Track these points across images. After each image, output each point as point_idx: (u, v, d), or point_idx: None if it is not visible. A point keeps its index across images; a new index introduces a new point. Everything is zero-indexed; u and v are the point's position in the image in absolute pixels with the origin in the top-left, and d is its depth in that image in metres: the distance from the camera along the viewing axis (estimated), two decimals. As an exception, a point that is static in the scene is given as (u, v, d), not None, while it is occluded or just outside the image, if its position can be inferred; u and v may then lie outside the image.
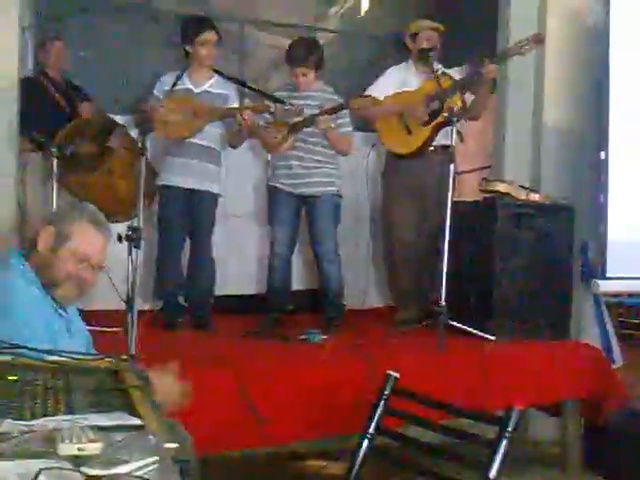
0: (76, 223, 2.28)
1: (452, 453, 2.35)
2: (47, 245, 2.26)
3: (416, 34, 4.47)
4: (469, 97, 4.36)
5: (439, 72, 4.26)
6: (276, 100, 4.21)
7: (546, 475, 4.06)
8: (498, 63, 4.26)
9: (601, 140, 4.56)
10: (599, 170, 4.56)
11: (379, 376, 2.58)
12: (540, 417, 4.29)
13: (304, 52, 4.23)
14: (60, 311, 2.28)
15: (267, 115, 4.22)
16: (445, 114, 4.13)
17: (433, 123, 4.32)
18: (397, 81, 4.47)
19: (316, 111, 4.18)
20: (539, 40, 4.18)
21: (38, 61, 4.67)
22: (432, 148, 4.42)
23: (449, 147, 3.94)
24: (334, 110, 4.17)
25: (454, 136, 3.89)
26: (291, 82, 4.38)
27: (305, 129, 4.21)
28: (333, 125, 4.20)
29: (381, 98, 4.43)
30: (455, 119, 3.88)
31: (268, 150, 4.36)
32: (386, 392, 2.47)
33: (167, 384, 2.11)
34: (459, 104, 4.06)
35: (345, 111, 4.28)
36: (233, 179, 4.99)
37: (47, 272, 2.25)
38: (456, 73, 4.44)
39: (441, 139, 4.36)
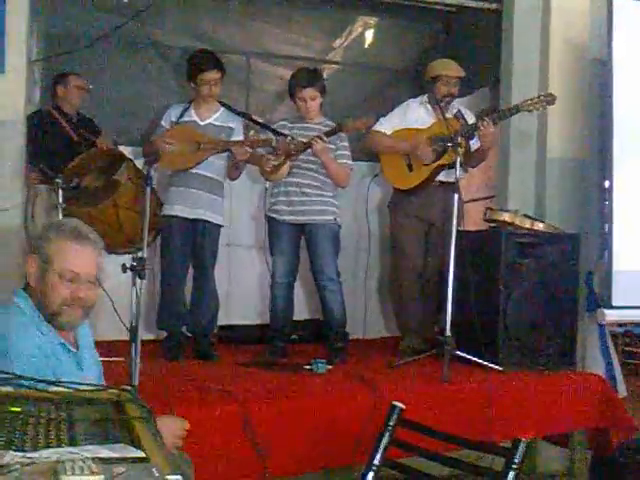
0: (53, 243, 2.16)
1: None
2: (35, 276, 2.17)
3: (437, 77, 4.44)
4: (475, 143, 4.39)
5: (456, 112, 4.23)
6: (279, 134, 4.24)
7: (554, 507, 4.02)
8: (503, 119, 4.29)
9: (605, 169, 4.57)
10: (603, 199, 4.56)
11: (384, 407, 2.56)
12: (548, 448, 4.26)
13: (310, 75, 4.29)
14: (70, 347, 2.21)
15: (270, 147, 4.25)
16: (447, 157, 4.23)
17: (435, 164, 4.37)
18: (410, 117, 4.50)
19: None
20: (551, 101, 4.21)
21: (55, 94, 4.69)
22: (436, 183, 4.44)
23: (453, 183, 3.98)
24: (330, 133, 4.19)
25: (458, 168, 3.92)
26: (295, 114, 4.41)
27: (304, 157, 4.23)
28: (332, 147, 4.21)
29: (388, 132, 4.47)
30: (457, 163, 3.91)
31: (265, 177, 4.37)
32: (391, 423, 2.45)
33: (162, 428, 2.07)
34: (462, 149, 4.06)
35: (345, 143, 4.30)
36: (234, 208, 5.02)
37: (44, 304, 2.16)
38: (464, 104, 4.48)
39: (444, 175, 4.38)
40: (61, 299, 2.16)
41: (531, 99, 4.22)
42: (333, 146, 4.25)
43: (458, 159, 3.94)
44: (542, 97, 4.23)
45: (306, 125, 4.32)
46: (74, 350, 2.24)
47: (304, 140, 4.19)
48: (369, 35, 5.93)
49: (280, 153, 4.19)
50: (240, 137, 4.31)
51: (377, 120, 4.51)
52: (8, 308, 2.18)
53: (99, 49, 4.97)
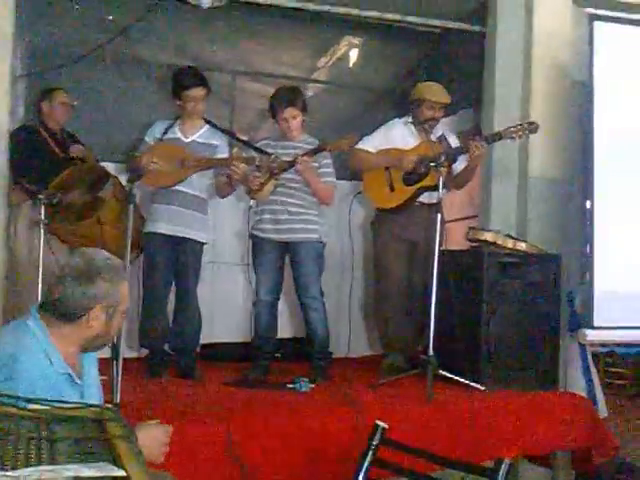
0: (119, 286, 2.22)
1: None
2: (101, 322, 2.20)
3: (422, 100, 4.43)
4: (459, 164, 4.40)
5: (440, 135, 4.25)
6: (262, 152, 4.25)
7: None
8: (487, 143, 4.30)
9: (586, 190, 4.61)
10: (585, 220, 4.60)
11: (367, 426, 2.56)
12: (531, 468, 4.25)
13: (290, 94, 4.29)
14: (75, 379, 2.21)
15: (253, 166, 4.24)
16: (429, 180, 4.25)
17: (417, 186, 4.38)
18: (394, 137, 4.52)
19: None
20: (533, 130, 4.23)
21: (40, 110, 4.67)
22: (418, 204, 4.45)
23: (435, 204, 3.99)
24: (314, 152, 4.20)
25: (440, 186, 3.94)
26: (278, 133, 4.42)
27: (288, 176, 4.24)
28: (315, 165, 4.23)
29: (372, 150, 4.49)
30: (440, 183, 3.94)
31: (250, 195, 4.37)
32: (374, 442, 2.44)
33: (147, 438, 2.06)
34: (445, 172, 4.07)
35: (328, 161, 4.32)
36: (218, 226, 5.01)
37: (100, 340, 2.25)
38: (447, 124, 4.50)
39: (427, 197, 4.41)
40: (116, 330, 2.29)
41: (514, 127, 4.23)
42: (317, 164, 4.26)
43: (441, 179, 3.97)
44: (525, 125, 4.24)
45: (289, 143, 4.33)
46: (78, 381, 2.23)
47: (288, 159, 4.20)
48: (354, 55, 5.96)
49: (264, 172, 4.20)
50: (225, 155, 4.31)
51: (361, 139, 4.53)
52: (21, 329, 2.17)
53: (84, 65, 4.96)
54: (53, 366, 2.13)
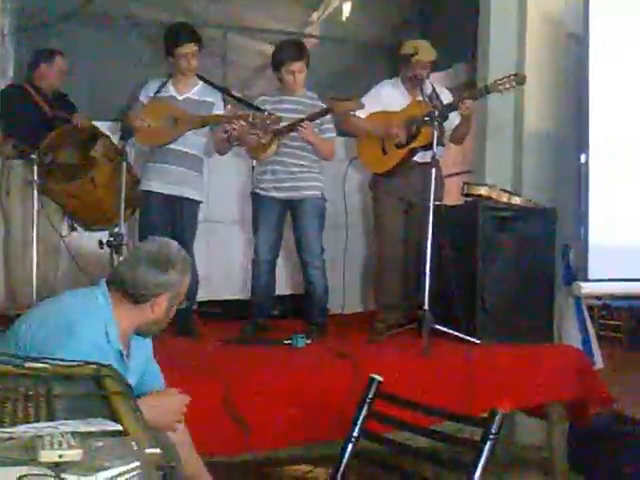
0: (185, 280, 2.31)
1: (437, 456, 2.35)
2: (163, 309, 2.28)
3: (411, 55, 4.33)
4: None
5: (431, 92, 4.20)
6: (256, 109, 4.21)
7: (532, 478, 4.07)
8: (476, 98, 4.24)
9: (581, 143, 4.59)
10: (580, 173, 4.59)
11: (364, 380, 2.58)
12: (526, 420, 4.31)
13: (298, 48, 4.25)
14: (125, 356, 2.26)
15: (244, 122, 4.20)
16: (421, 139, 4.22)
17: (408, 147, 4.35)
18: (385, 99, 4.46)
19: (301, 116, 4.17)
20: (520, 81, 4.18)
21: (35, 69, 4.59)
22: (414, 163, 4.42)
23: (431, 162, 3.97)
24: (319, 115, 4.17)
25: (434, 143, 3.91)
26: (274, 88, 4.37)
27: (290, 135, 4.20)
28: (317, 130, 4.21)
29: (363, 115, 4.45)
30: (434, 139, 3.91)
31: (252, 156, 4.35)
32: (370, 396, 2.47)
33: (162, 406, 2.10)
34: (437, 132, 4.01)
35: (328, 116, 4.28)
36: (218, 185, 4.99)
37: (155, 327, 2.33)
38: (441, 78, 4.45)
39: (421, 157, 4.37)
40: (170, 317, 2.35)
41: (500, 79, 4.18)
42: (318, 120, 4.22)
43: (435, 134, 3.94)
44: (512, 77, 4.20)
45: (291, 98, 4.28)
46: (126, 360, 2.28)
47: (291, 115, 4.15)
48: (347, 8, 5.89)
49: (261, 129, 4.15)
50: (221, 111, 4.27)
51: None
52: (88, 296, 2.24)
53: (74, 23, 4.90)
54: (109, 338, 2.19)
